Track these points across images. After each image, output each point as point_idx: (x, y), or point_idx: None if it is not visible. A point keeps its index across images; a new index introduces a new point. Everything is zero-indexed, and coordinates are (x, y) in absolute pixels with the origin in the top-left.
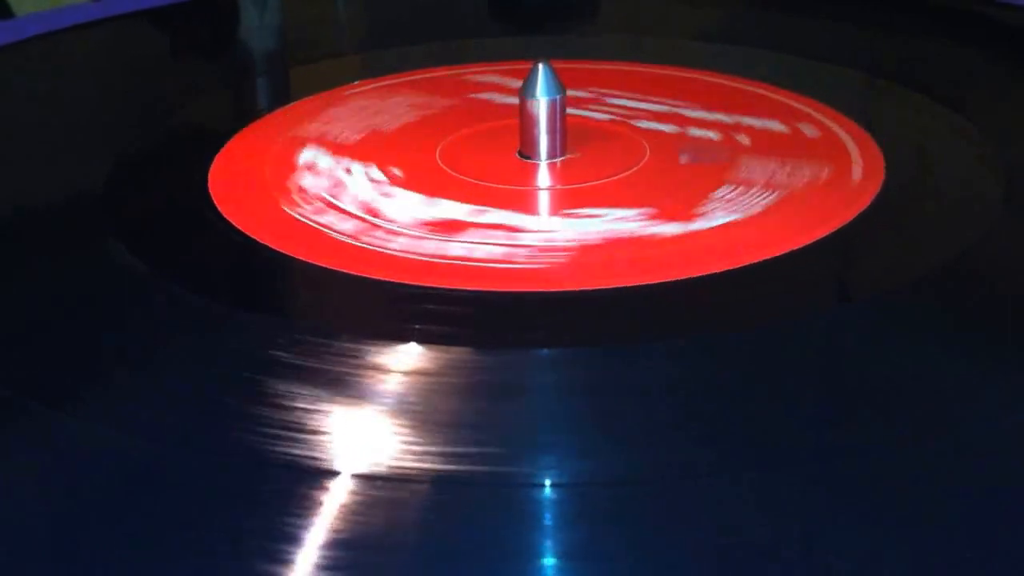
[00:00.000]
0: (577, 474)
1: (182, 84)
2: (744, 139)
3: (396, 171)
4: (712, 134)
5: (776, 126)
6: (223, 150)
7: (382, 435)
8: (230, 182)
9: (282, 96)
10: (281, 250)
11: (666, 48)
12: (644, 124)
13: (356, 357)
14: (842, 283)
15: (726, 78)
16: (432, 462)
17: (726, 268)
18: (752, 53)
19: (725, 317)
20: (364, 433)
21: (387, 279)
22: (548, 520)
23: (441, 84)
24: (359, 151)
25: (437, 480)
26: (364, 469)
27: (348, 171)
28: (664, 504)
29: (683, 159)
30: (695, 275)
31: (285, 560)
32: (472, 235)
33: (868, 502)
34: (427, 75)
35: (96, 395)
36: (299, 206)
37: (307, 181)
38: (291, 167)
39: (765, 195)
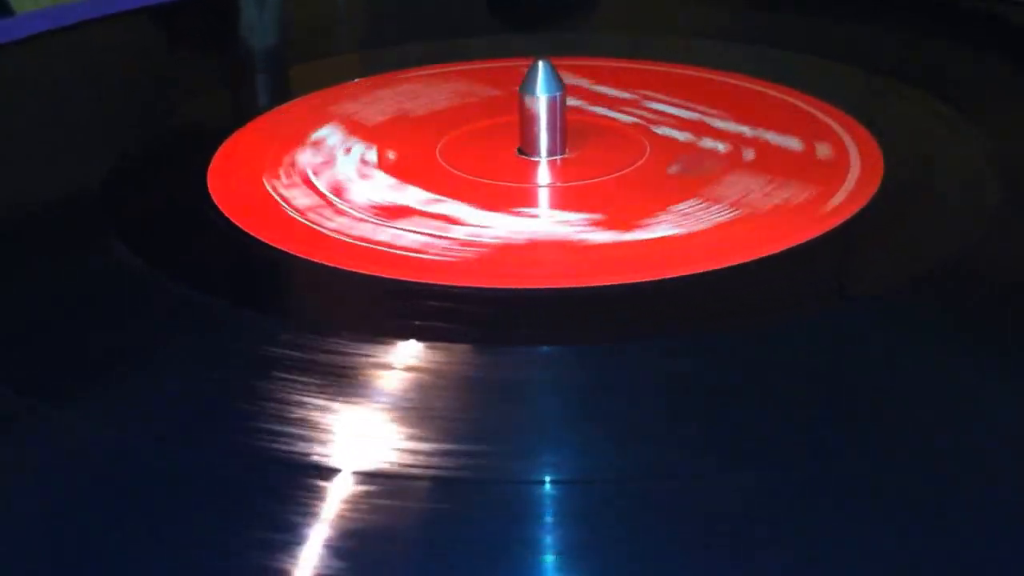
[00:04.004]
0: (576, 471)
1: (182, 82)
2: (743, 144)
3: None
4: (713, 134)
5: (775, 123)
6: (222, 148)
7: (382, 432)
8: (229, 180)
9: (282, 94)
10: (282, 248)
11: (665, 46)
12: (638, 121)
13: (354, 354)
14: (840, 282)
15: (724, 74)
16: (431, 460)
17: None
18: (751, 50)
19: (721, 317)
20: (364, 430)
21: (388, 276)
22: (548, 517)
23: (434, 83)
24: (360, 146)
25: (437, 478)
26: (364, 467)
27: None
28: (664, 502)
29: (672, 170)
30: (689, 272)
31: (285, 558)
32: (409, 223)
33: (867, 502)
34: (424, 72)
35: (96, 394)
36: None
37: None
38: (290, 165)
39: (725, 212)
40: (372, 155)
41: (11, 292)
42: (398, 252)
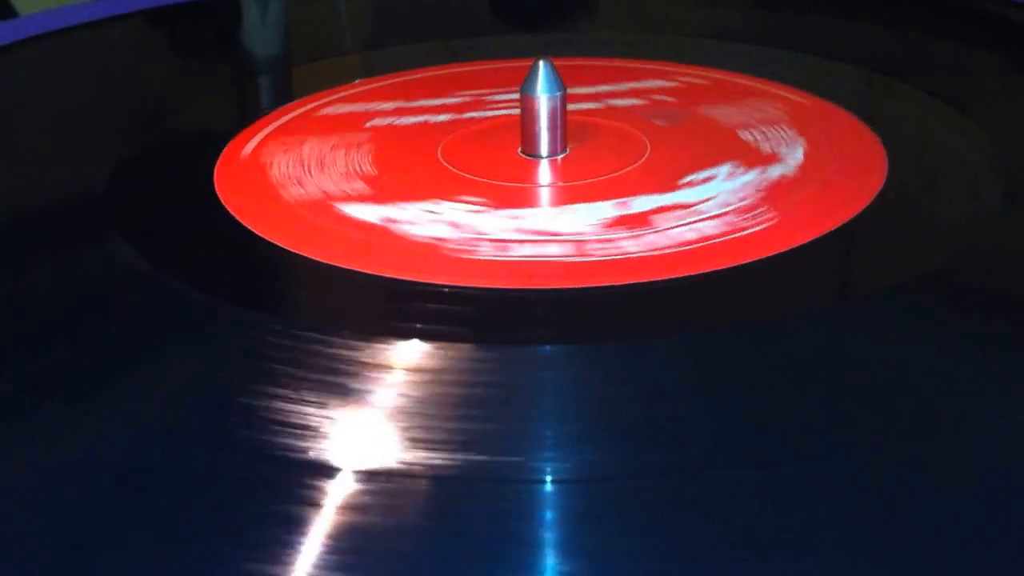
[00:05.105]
0: (577, 470)
1: (183, 84)
2: (747, 137)
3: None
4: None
5: (778, 123)
6: (227, 148)
7: (383, 432)
8: (233, 180)
9: (284, 95)
10: (287, 247)
11: (667, 45)
12: (646, 121)
13: (356, 354)
14: (843, 281)
15: (726, 74)
16: (432, 459)
17: (730, 265)
18: (753, 50)
19: (724, 316)
20: (365, 430)
21: (392, 276)
22: (549, 516)
23: (440, 82)
24: (363, 147)
25: (437, 477)
26: (365, 466)
27: (351, 172)
28: (664, 501)
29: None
30: (694, 272)
31: (286, 557)
32: (411, 224)
33: (868, 502)
34: (427, 74)
35: (100, 392)
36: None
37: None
38: (293, 165)
39: (726, 213)
40: (372, 156)
41: (15, 291)
42: (401, 252)
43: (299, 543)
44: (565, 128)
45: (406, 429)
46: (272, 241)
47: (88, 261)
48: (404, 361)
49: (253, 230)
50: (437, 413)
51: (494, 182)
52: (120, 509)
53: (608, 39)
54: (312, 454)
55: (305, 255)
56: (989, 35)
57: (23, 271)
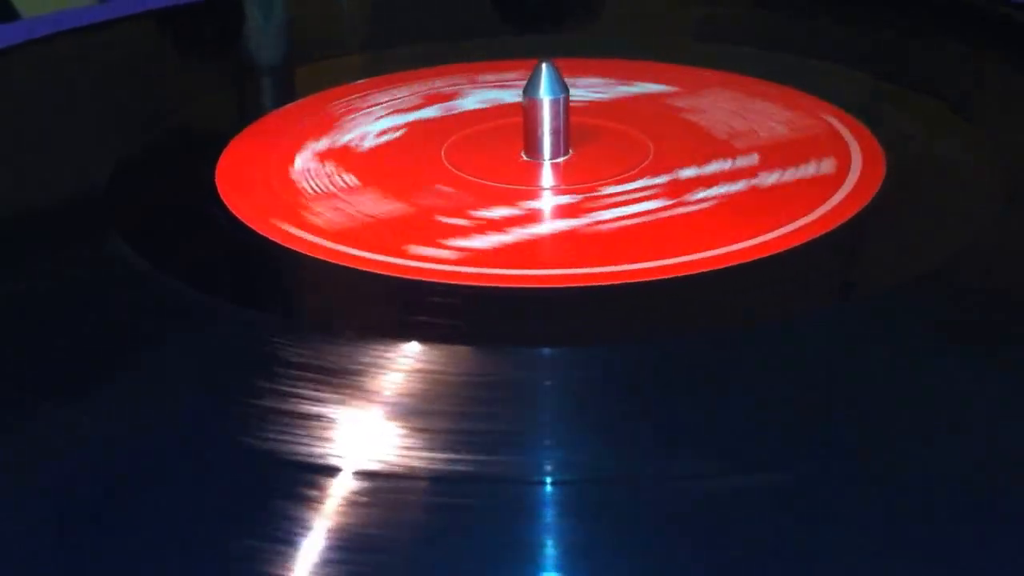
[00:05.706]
0: (576, 471)
1: (186, 85)
2: (746, 138)
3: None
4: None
5: (778, 123)
6: (229, 148)
7: (383, 432)
8: (237, 180)
9: (287, 94)
10: (288, 247)
11: (669, 46)
12: (649, 122)
13: (359, 354)
14: (841, 282)
15: (728, 75)
16: (432, 460)
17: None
18: (755, 52)
19: (723, 315)
20: (365, 430)
21: (392, 275)
22: (548, 517)
23: (442, 82)
24: (365, 147)
25: (437, 478)
26: (365, 466)
27: (344, 170)
28: (663, 503)
29: None
30: (694, 272)
31: (286, 557)
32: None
33: (867, 502)
34: (428, 74)
35: (100, 392)
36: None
37: (306, 178)
38: (294, 165)
39: (727, 212)
40: (374, 156)
41: (15, 291)
42: (402, 252)
43: (299, 543)
44: (568, 131)
45: (406, 429)
46: (273, 241)
47: (88, 261)
48: (404, 361)
49: (254, 230)
50: (437, 413)
51: (497, 184)
52: (120, 509)
53: (608, 39)
54: (312, 454)
55: (306, 255)
56: (989, 35)
57: (23, 271)
